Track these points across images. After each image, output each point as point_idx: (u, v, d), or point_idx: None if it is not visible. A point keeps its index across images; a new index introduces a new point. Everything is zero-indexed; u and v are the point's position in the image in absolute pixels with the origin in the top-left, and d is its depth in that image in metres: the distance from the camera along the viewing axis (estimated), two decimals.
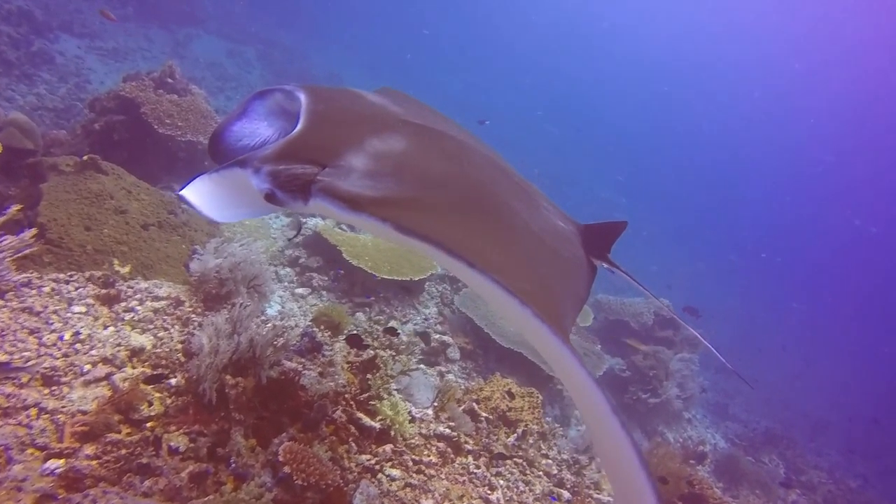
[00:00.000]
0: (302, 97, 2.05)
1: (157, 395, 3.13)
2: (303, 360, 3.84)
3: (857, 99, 38.07)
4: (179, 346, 3.61)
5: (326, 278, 5.84)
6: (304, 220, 6.45)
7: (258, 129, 2.22)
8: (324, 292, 5.74)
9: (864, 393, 19.69)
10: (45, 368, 3.00)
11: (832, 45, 37.93)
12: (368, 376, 3.71)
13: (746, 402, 13.05)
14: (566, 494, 4.27)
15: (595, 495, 4.58)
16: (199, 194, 1.89)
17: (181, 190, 1.87)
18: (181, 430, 2.94)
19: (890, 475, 12.97)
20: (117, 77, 10.16)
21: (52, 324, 3.31)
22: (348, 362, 3.79)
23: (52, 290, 3.59)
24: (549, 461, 4.61)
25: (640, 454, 1.43)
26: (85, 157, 4.47)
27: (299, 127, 1.95)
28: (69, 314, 3.47)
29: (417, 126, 2.20)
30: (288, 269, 5.82)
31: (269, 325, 4.20)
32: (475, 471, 3.94)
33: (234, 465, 2.85)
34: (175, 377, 3.28)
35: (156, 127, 5.41)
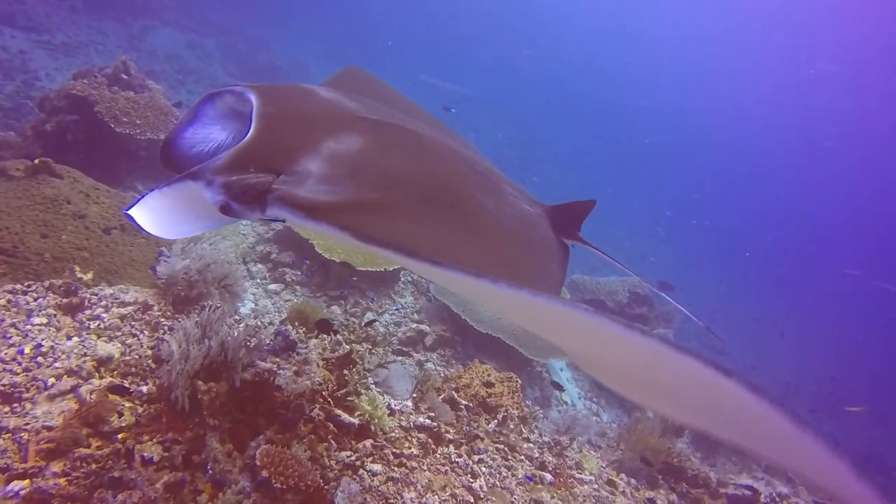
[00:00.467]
0: (252, 99, 1.97)
1: (128, 404, 3.04)
2: (277, 359, 3.77)
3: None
4: (149, 352, 3.51)
5: (299, 273, 5.75)
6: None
7: (211, 134, 2.14)
8: (297, 287, 5.66)
9: (826, 355, 20.69)
10: (4, 385, 2.88)
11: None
12: (345, 372, 3.67)
13: None
14: (548, 477, 4.32)
15: (577, 475, 4.65)
16: (149, 212, 1.82)
17: (128, 209, 1.78)
18: (154, 440, 2.87)
19: (852, 428, 13.74)
20: (68, 73, 9.82)
21: (9, 338, 3.18)
22: (324, 359, 3.75)
23: (8, 301, 3.44)
24: (531, 444, 4.66)
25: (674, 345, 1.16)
26: (36, 161, 4.28)
27: (251, 133, 1.89)
28: (28, 326, 3.34)
29: (374, 122, 2.15)
30: (260, 266, 5.72)
31: (242, 325, 4.12)
32: (457, 460, 3.95)
33: (210, 472, 2.79)
34: (146, 385, 3.20)
35: (112, 126, 5.21)
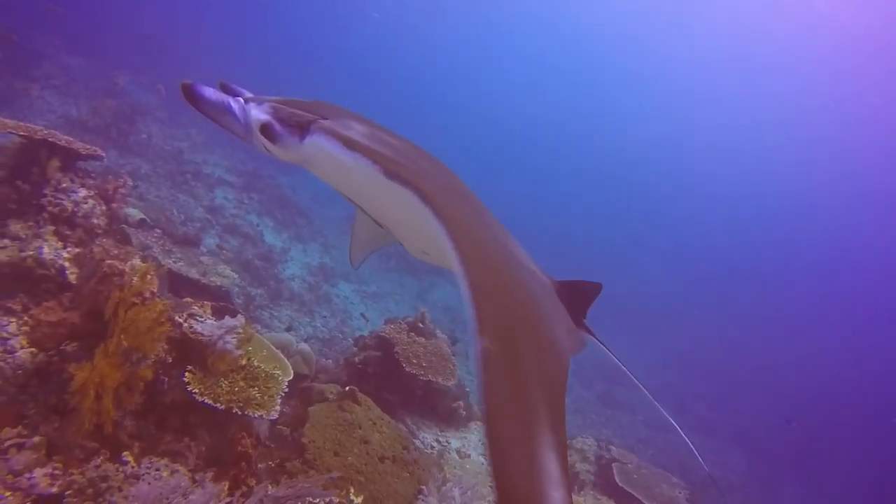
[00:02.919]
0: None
1: None
2: None
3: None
4: None
5: None
6: None
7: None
8: None
9: None
10: None
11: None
12: None
13: None
14: None
15: None
16: (201, 95, 1.97)
17: (192, 85, 1.97)
18: None
19: None
20: (372, 317, 12.11)
21: None
22: None
23: None
24: None
25: None
26: (346, 388, 5.12)
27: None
28: None
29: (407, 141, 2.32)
30: None
31: None
32: None
33: None
34: None
35: (403, 365, 6.07)
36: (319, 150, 1.95)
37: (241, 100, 2.03)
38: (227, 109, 2.00)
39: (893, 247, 37.02)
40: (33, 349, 3.76)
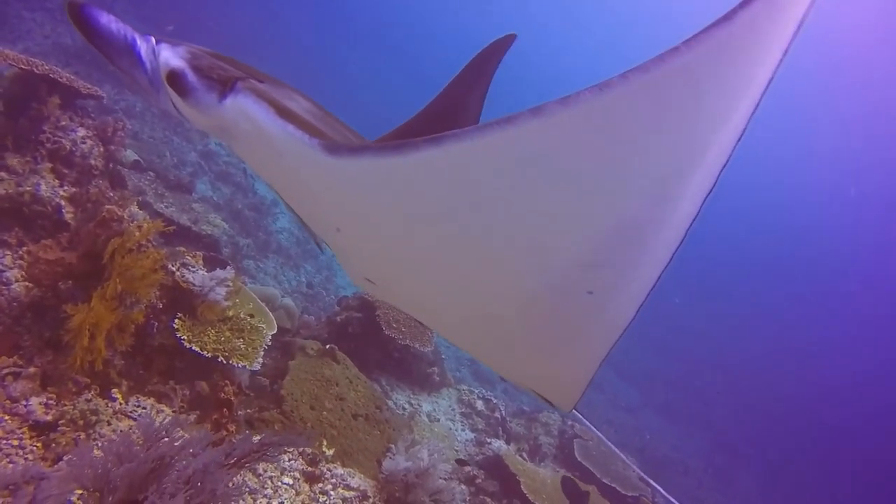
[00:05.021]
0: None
1: None
2: None
3: None
4: None
5: None
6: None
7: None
8: None
9: None
10: None
11: None
12: None
13: None
14: None
15: None
16: (95, 22, 1.54)
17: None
18: None
19: None
20: None
21: (266, 489, 3.74)
22: None
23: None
24: None
25: None
26: (327, 346, 5.34)
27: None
28: (279, 483, 3.90)
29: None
30: (463, 487, 5.80)
31: None
32: None
33: None
34: None
35: (383, 328, 6.29)
36: (243, 116, 1.55)
37: (151, 38, 1.61)
38: (129, 46, 1.57)
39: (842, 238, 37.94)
40: (28, 283, 3.89)
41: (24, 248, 4.22)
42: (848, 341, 31.11)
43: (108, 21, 1.55)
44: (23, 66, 4.58)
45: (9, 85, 4.62)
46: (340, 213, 1.76)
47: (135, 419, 3.53)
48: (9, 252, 4.15)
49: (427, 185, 1.40)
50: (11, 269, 4.04)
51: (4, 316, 3.71)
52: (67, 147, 4.84)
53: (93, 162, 5.04)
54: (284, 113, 1.50)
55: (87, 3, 1.51)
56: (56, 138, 4.80)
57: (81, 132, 5.04)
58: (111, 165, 5.57)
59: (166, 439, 2.33)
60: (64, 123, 4.93)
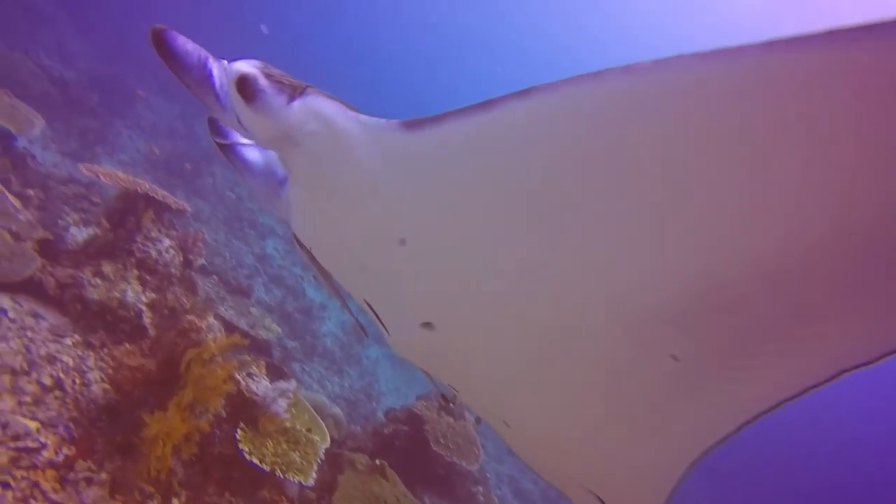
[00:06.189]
0: None
1: None
2: None
3: None
4: None
5: None
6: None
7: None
8: None
9: None
10: None
11: None
12: None
13: None
14: None
15: None
16: (173, 45, 1.65)
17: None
18: None
19: None
20: (399, 383, 12.25)
21: None
22: None
23: None
24: None
25: None
26: (377, 462, 5.27)
27: None
28: None
29: None
30: None
31: None
32: None
33: None
34: None
35: (431, 444, 6.18)
36: (313, 115, 1.56)
37: (224, 62, 1.70)
38: (202, 64, 1.68)
39: None
40: (107, 386, 4.10)
41: (106, 351, 4.50)
42: None
43: (184, 42, 1.66)
44: (128, 185, 5.13)
45: (114, 201, 5.15)
46: (411, 211, 1.58)
47: None
48: (92, 353, 4.42)
49: (540, 140, 1.18)
50: (93, 370, 4.28)
51: (83, 417, 3.89)
52: (154, 256, 5.26)
53: (172, 270, 5.44)
54: (354, 109, 1.54)
55: (166, 29, 1.63)
56: (145, 248, 5.24)
57: (166, 242, 5.48)
58: (187, 272, 5.98)
59: None
60: (153, 234, 5.40)
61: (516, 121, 1.16)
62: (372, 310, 2.01)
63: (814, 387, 1.25)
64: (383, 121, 1.42)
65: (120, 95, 13.73)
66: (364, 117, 1.47)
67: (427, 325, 1.83)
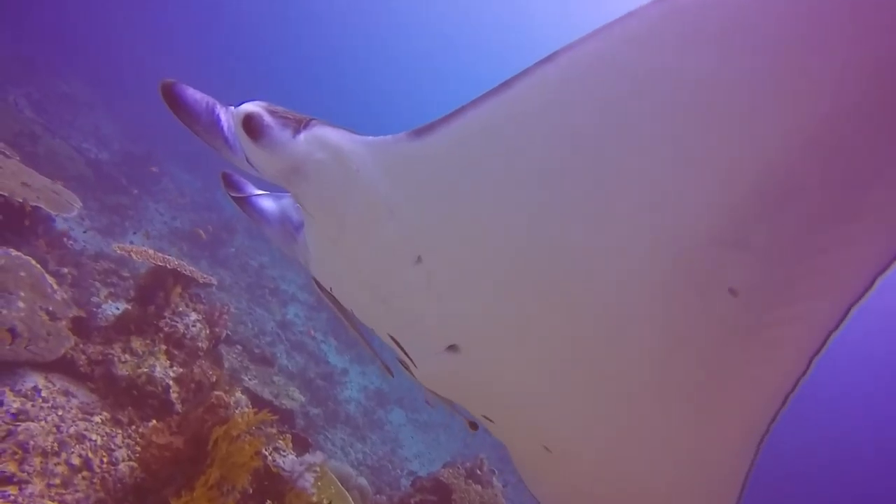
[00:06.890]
0: None
1: None
2: None
3: None
4: None
5: None
6: None
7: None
8: None
9: None
10: None
11: None
12: None
13: None
14: None
15: None
16: (182, 97, 1.71)
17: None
18: None
19: None
20: (422, 448, 11.97)
21: None
22: None
23: None
24: None
25: None
26: None
27: None
28: None
29: None
30: None
31: None
32: None
33: None
34: None
35: None
36: (319, 144, 1.57)
37: (231, 107, 1.76)
38: (210, 110, 1.74)
39: None
40: (134, 464, 4.10)
41: (133, 427, 4.52)
42: None
43: (193, 93, 1.73)
44: (158, 263, 5.30)
45: (144, 278, 5.32)
46: (426, 224, 1.54)
47: None
48: (120, 431, 4.45)
49: (551, 114, 1.13)
50: (120, 448, 4.30)
51: (110, 498, 3.87)
52: (181, 331, 5.36)
53: (199, 343, 5.52)
54: (360, 137, 1.54)
55: (176, 82, 1.70)
56: (173, 323, 5.35)
57: (193, 316, 5.60)
58: (213, 344, 6.06)
59: None
60: (181, 309, 5.52)
61: (544, 91, 1.11)
62: (397, 344, 1.96)
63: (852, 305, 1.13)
64: (389, 136, 1.43)
65: (146, 172, 14.39)
66: (369, 138, 1.48)
67: (453, 347, 1.76)
